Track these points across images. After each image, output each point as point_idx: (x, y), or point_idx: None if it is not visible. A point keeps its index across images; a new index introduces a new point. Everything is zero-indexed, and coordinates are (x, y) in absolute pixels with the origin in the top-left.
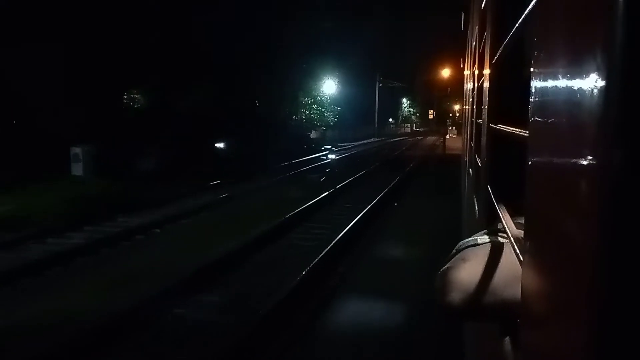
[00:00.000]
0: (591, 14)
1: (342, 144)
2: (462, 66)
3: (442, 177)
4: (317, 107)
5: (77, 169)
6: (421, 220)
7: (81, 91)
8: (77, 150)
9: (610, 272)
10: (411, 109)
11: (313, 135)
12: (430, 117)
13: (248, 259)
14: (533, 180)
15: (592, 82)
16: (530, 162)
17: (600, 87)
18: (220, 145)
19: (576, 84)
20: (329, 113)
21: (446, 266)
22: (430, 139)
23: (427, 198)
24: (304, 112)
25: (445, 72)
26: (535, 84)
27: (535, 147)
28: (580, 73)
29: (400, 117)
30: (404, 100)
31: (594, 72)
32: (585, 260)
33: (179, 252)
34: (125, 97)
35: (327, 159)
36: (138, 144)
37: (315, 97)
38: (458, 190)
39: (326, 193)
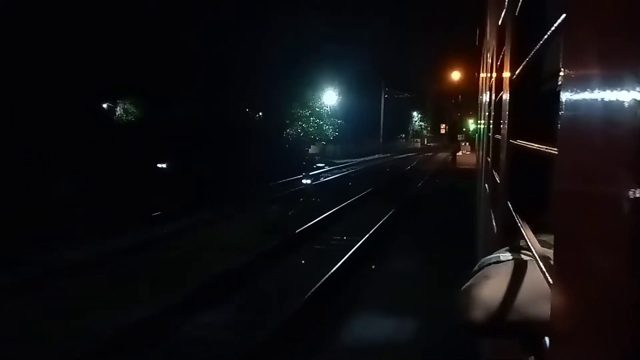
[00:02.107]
0: (630, 29)
1: (340, 161)
2: (476, 77)
3: (450, 211)
4: (314, 120)
5: None
6: (408, 306)
7: None
8: None
9: None
10: (422, 123)
11: (312, 150)
12: (443, 131)
13: None
14: (563, 199)
15: (631, 99)
16: (559, 181)
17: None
18: (162, 165)
19: (613, 100)
20: (328, 126)
21: (468, 283)
22: (442, 155)
23: (423, 253)
24: (300, 125)
25: (456, 77)
26: (565, 101)
27: (565, 165)
28: (618, 89)
29: (411, 132)
30: (415, 113)
31: (634, 89)
32: (619, 284)
33: None
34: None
35: (302, 184)
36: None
37: (312, 109)
38: (473, 241)
39: (275, 243)
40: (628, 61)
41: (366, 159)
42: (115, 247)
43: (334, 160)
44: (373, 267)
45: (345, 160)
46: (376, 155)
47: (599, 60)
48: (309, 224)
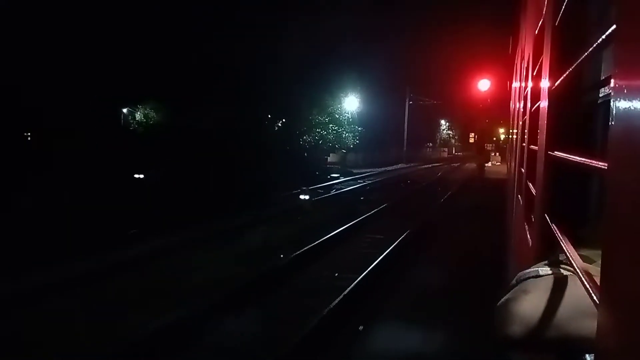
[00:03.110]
0: None
1: (359, 171)
2: (508, 86)
3: (477, 238)
4: (333, 127)
5: None
6: None
7: None
8: None
9: None
10: (450, 132)
11: (331, 158)
12: (471, 140)
13: None
14: (614, 215)
15: None
16: (610, 196)
17: None
18: (139, 176)
19: None
20: (348, 134)
21: (506, 297)
22: (470, 166)
23: (436, 310)
24: (319, 132)
25: (485, 87)
26: (616, 113)
27: (617, 179)
28: None
29: (439, 140)
30: (443, 122)
31: None
32: None
33: None
34: None
35: (300, 200)
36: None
37: (331, 115)
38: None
39: (243, 283)
40: None
41: (388, 168)
42: (56, 277)
43: (353, 170)
44: (360, 328)
45: (365, 170)
46: (399, 165)
47: None
48: (296, 254)
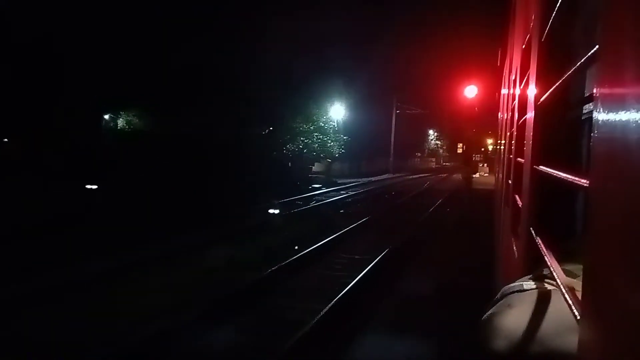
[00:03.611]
0: None
1: (344, 181)
2: (497, 97)
3: (464, 256)
4: (317, 135)
5: None
6: None
7: None
8: None
9: None
10: (438, 142)
11: (316, 168)
12: (460, 150)
13: None
14: (595, 231)
15: None
16: (592, 212)
17: None
18: (92, 187)
19: None
20: (333, 143)
21: (491, 311)
22: (457, 177)
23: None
24: (302, 141)
25: (472, 94)
26: (598, 132)
27: (598, 196)
28: None
29: (427, 150)
30: (431, 132)
31: None
32: None
33: None
34: None
35: (269, 214)
36: None
37: (316, 123)
38: None
39: (177, 322)
40: None
41: (373, 179)
42: None
43: (338, 180)
44: None
45: (350, 180)
46: (385, 175)
47: (633, 92)
48: (256, 279)
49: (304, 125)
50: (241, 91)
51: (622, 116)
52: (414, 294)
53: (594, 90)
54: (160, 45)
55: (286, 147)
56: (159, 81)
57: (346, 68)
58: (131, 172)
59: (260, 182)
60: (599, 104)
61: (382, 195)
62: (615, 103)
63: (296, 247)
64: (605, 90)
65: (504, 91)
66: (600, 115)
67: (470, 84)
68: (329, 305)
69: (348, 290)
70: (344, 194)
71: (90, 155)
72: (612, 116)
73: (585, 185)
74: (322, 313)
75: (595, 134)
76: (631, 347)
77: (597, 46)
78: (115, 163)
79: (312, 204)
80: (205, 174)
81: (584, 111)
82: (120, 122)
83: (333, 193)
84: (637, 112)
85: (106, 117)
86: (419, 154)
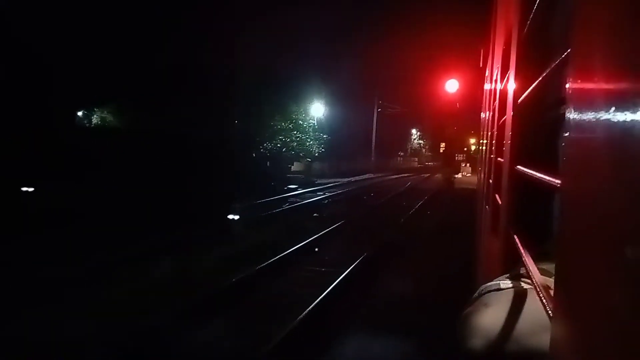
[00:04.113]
0: (633, 65)
1: (323, 182)
2: (479, 97)
3: (445, 262)
4: (296, 134)
5: None
6: None
7: None
8: None
9: None
10: (421, 141)
11: (295, 167)
12: (442, 150)
13: None
14: (566, 230)
15: (634, 134)
16: (563, 211)
17: None
18: (28, 189)
19: (616, 134)
20: (312, 141)
21: (468, 310)
22: (440, 177)
23: None
24: (280, 139)
25: (453, 89)
26: (569, 133)
27: (569, 195)
28: (621, 124)
29: (409, 150)
30: (414, 131)
31: (637, 125)
32: (620, 319)
33: None
34: None
35: (232, 219)
36: None
37: (295, 121)
38: None
39: None
40: (631, 97)
41: (354, 179)
42: None
43: (317, 180)
44: None
45: (329, 180)
46: (366, 175)
47: (601, 94)
48: (195, 303)
49: (283, 124)
50: (216, 88)
51: (591, 117)
52: (386, 313)
53: (566, 93)
54: (138, 42)
55: (263, 146)
56: (134, 78)
57: (326, 65)
58: (95, 170)
59: (233, 182)
60: (571, 105)
61: (360, 197)
62: (585, 104)
63: (256, 258)
64: (576, 92)
65: (485, 91)
66: (571, 116)
67: (451, 79)
68: (279, 337)
69: (307, 313)
70: (321, 195)
71: (59, 153)
72: (582, 117)
73: (557, 184)
74: (303, 313)
75: (566, 134)
76: (601, 345)
77: (569, 49)
78: (85, 161)
79: (285, 206)
80: (173, 174)
81: (561, 112)
82: (95, 119)
83: (310, 194)
84: (605, 113)
85: (79, 113)
86: (402, 154)
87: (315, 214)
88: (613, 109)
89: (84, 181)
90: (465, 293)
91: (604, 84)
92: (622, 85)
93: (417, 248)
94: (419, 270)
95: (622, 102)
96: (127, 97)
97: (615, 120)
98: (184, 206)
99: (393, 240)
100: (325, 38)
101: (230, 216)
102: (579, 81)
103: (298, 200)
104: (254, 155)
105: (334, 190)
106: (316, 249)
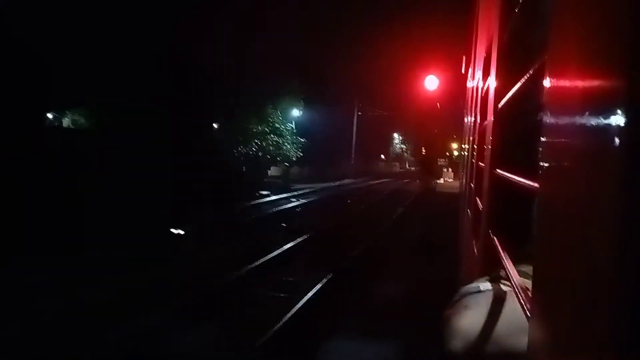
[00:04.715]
0: (606, 72)
1: (298, 187)
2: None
3: (423, 289)
4: (272, 137)
5: None
6: None
7: None
8: None
9: (621, 331)
10: (403, 146)
11: (273, 172)
12: (422, 153)
13: None
14: (543, 232)
15: (607, 137)
16: (541, 215)
17: (619, 144)
18: None
19: (591, 139)
20: (289, 145)
21: (448, 312)
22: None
23: None
24: (256, 143)
25: (433, 86)
26: (546, 138)
27: (546, 200)
28: (595, 129)
29: (391, 154)
30: (396, 135)
31: (610, 129)
32: (596, 320)
33: None
34: None
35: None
36: None
37: (272, 125)
38: None
39: None
40: (606, 102)
41: (332, 184)
42: None
43: (293, 186)
44: None
45: (306, 186)
46: (346, 181)
47: (580, 98)
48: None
49: (259, 127)
50: (188, 89)
51: (567, 121)
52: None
53: (543, 99)
54: (107, 40)
55: (237, 150)
56: (105, 79)
57: (306, 67)
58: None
59: (196, 190)
60: (547, 110)
61: (336, 204)
62: (560, 109)
63: (195, 285)
64: (552, 97)
65: (467, 97)
66: (548, 120)
67: (430, 74)
68: None
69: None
70: (293, 202)
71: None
72: (558, 121)
73: (535, 187)
74: None
75: (543, 138)
76: (576, 345)
77: (545, 56)
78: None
79: (253, 214)
80: (137, 180)
81: (539, 117)
82: (66, 122)
83: (281, 202)
84: (580, 117)
85: (49, 115)
86: (384, 158)
87: (283, 224)
88: (587, 113)
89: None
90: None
91: (579, 90)
92: (595, 91)
93: (389, 266)
94: (386, 299)
95: (596, 107)
96: (98, 99)
97: (589, 125)
98: (127, 217)
99: (362, 258)
100: (305, 38)
101: (176, 230)
102: (555, 87)
103: (267, 208)
104: (225, 160)
105: (309, 196)
106: (274, 270)
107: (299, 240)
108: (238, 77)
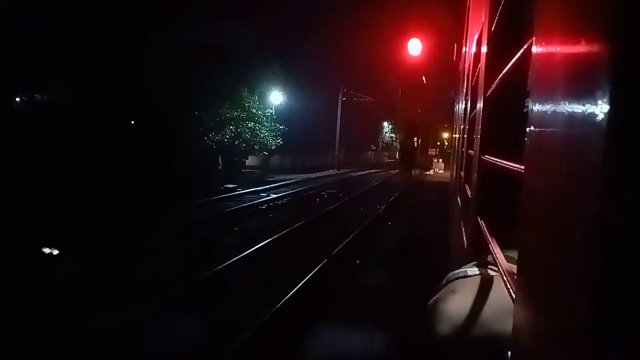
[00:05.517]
0: (592, 55)
1: (275, 178)
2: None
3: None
4: (247, 124)
5: None
6: None
7: None
8: None
9: (605, 313)
10: (393, 135)
11: (251, 162)
12: (415, 145)
13: None
14: (528, 216)
15: (593, 119)
16: (525, 197)
17: (600, 128)
18: None
19: (576, 120)
20: (267, 133)
21: (435, 297)
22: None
23: None
24: (230, 130)
25: (417, 51)
26: (532, 119)
27: (531, 182)
28: (580, 111)
29: (381, 144)
30: (385, 124)
31: (595, 110)
32: (580, 302)
33: None
34: None
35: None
36: None
37: (248, 110)
38: None
39: None
40: (591, 84)
41: (313, 175)
42: None
43: (271, 177)
44: None
45: (285, 177)
46: (329, 171)
47: (564, 83)
48: None
49: (234, 112)
50: (157, 69)
51: (551, 106)
52: None
53: (530, 83)
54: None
55: (209, 137)
56: (71, 61)
57: (285, 48)
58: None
59: (147, 183)
60: (533, 94)
61: (312, 198)
62: (544, 94)
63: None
64: (537, 84)
65: (458, 86)
66: (533, 107)
67: (413, 37)
68: None
69: None
70: (264, 196)
71: None
72: (543, 108)
73: (521, 171)
74: None
75: (529, 123)
76: (559, 328)
77: (533, 38)
78: None
79: (209, 212)
80: (91, 170)
81: (526, 104)
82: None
83: (250, 196)
84: (563, 102)
85: (17, 99)
86: (373, 147)
87: (242, 225)
88: (572, 96)
89: None
90: None
91: (563, 75)
92: (578, 77)
93: (366, 275)
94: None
95: (580, 89)
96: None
97: (574, 108)
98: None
99: (330, 266)
100: (284, 18)
101: (48, 250)
102: (540, 72)
103: (229, 205)
104: (191, 149)
105: (284, 189)
106: (222, 287)
107: (256, 246)
108: (204, 57)
